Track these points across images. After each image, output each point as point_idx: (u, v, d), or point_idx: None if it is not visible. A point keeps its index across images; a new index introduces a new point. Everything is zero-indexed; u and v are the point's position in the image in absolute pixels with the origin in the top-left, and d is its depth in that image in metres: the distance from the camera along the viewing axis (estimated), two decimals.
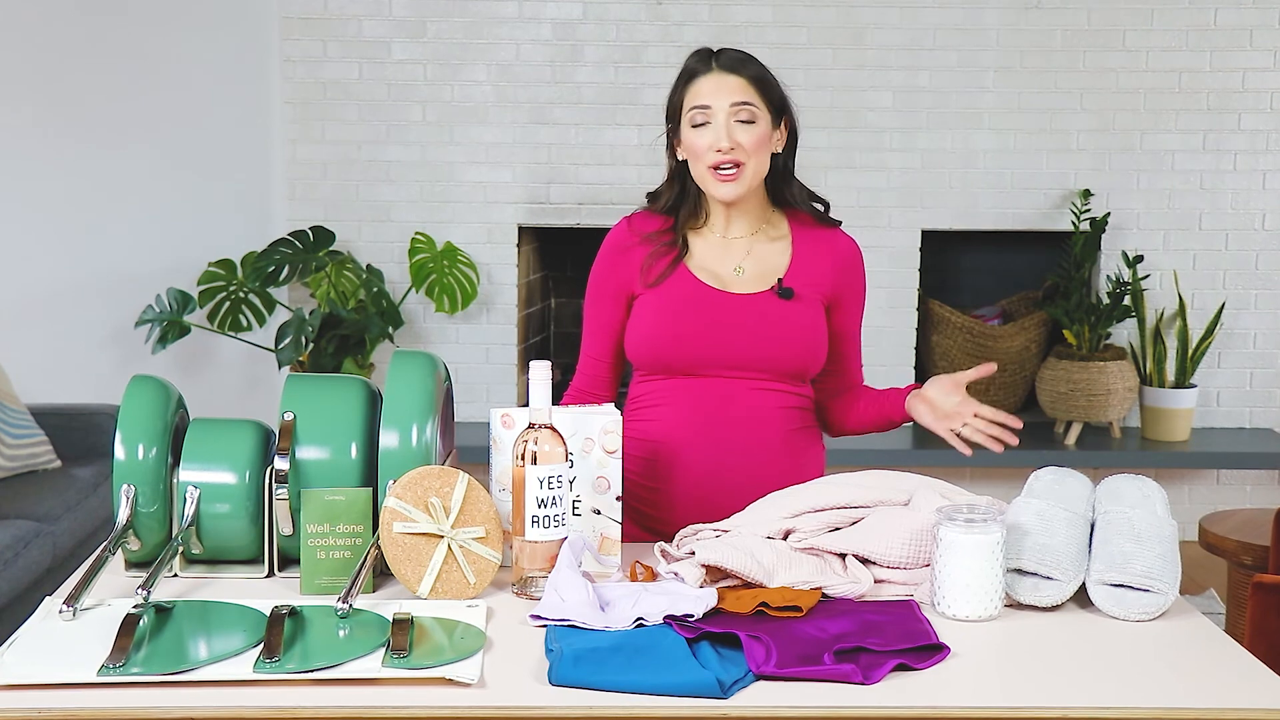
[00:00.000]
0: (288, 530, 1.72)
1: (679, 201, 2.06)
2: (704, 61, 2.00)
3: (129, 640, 1.47)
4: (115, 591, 1.67)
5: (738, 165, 1.97)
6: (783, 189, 2.06)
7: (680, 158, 2.03)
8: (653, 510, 2.02)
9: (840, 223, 2.11)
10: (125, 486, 1.70)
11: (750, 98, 1.97)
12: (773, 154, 2.02)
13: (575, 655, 1.44)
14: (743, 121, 1.96)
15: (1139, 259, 4.31)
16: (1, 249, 4.07)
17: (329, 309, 4.08)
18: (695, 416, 2.00)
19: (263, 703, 1.37)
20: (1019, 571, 1.66)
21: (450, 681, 1.40)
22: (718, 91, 1.97)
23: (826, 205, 2.09)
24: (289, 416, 1.73)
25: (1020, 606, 1.66)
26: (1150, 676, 1.47)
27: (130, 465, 1.70)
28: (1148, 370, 4.40)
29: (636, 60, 4.32)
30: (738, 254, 2.04)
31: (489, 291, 4.42)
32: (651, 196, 2.10)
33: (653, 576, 1.71)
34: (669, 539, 1.87)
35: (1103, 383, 4.25)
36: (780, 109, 2.02)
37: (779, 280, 2.02)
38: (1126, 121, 4.36)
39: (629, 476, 1.97)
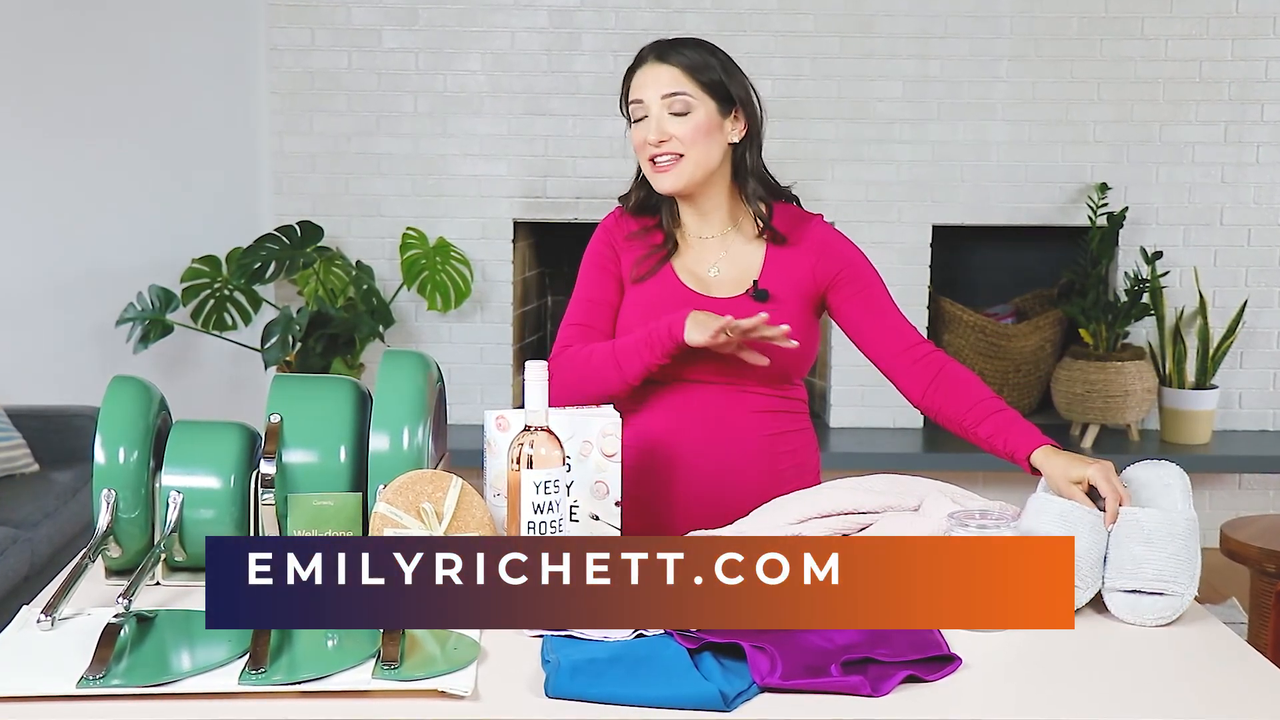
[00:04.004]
0: None
1: (655, 200, 2.03)
2: (641, 54, 1.98)
3: (109, 651, 1.45)
4: (95, 600, 1.66)
5: (677, 156, 1.93)
6: (743, 185, 2.00)
7: None
8: (626, 513, 1.97)
9: (816, 215, 2.06)
10: (105, 491, 1.69)
11: (683, 86, 1.93)
12: (735, 145, 1.98)
13: (573, 666, 1.42)
14: (676, 113, 1.92)
15: (1158, 255, 4.25)
16: None
17: (317, 307, 4.03)
18: (672, 419, 1.98)
19: (248, 715, 1.36)
20: None
21: (443, 694, 1.39)
22: (648, 84, 1.95)
23: (796, 200, 2.04)
24: (275, 419, 1.72)
25: None
26: (1169, 687, 1.46)
27: (111, 469, 1.69)
28: (1167, 370, 4.34)
29: (636, 49, 4.25)
30: (712, 255, 2.02)
31: (483, 289, 4.37)
32: (623, 199, 2.07)
33: None
34: None
35: (1120, 383, 4.19)
36: (725, 96, 1.95)
37: (754, 282, 1.98)
38: (1145, 112, 4.30)
39: None
